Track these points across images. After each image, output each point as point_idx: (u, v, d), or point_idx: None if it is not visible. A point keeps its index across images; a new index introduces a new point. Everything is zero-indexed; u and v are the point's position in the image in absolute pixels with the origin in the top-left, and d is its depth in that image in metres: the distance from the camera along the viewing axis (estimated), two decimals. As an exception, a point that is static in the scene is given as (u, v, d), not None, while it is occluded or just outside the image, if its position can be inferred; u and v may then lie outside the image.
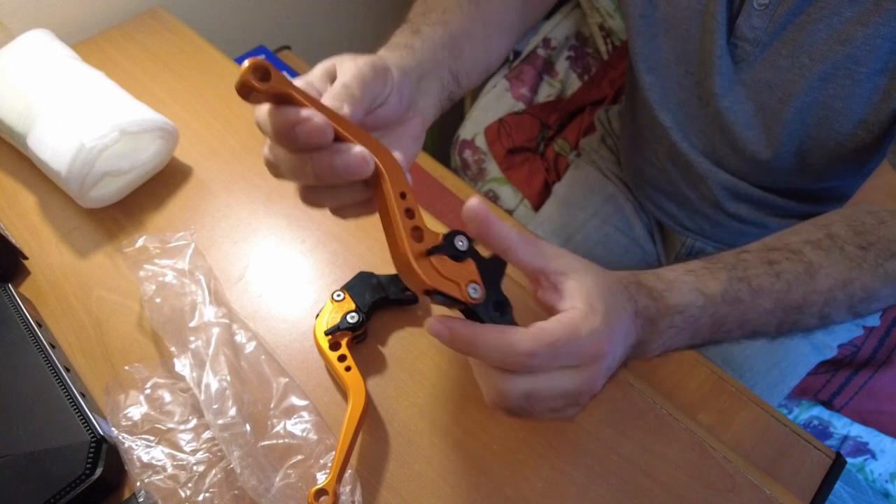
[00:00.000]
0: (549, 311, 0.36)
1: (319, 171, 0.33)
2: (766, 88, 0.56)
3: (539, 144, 1.11)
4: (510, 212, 1.03)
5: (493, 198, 1.07)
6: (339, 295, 0.52)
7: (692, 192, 0.73)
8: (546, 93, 1.17)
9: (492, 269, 0.35)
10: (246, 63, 0.28)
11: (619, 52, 1.12)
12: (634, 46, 0.63)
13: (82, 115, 0.58)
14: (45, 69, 0.62)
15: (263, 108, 0.33)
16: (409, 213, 0.34)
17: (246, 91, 0.29)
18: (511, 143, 1.09)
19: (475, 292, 0.34)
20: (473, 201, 0.34)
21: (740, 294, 0.41)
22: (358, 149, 0.32)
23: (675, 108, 0.65)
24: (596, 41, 1.16)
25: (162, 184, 0.64)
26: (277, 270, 0.58)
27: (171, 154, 0.64)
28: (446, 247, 0.34)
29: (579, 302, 0.35)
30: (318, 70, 0.37)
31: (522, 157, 1.08)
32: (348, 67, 0.37)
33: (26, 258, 0.58)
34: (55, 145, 0.57)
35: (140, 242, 0.53)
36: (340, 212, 0.38)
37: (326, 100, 0.35)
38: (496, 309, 0.35)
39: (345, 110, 0.34)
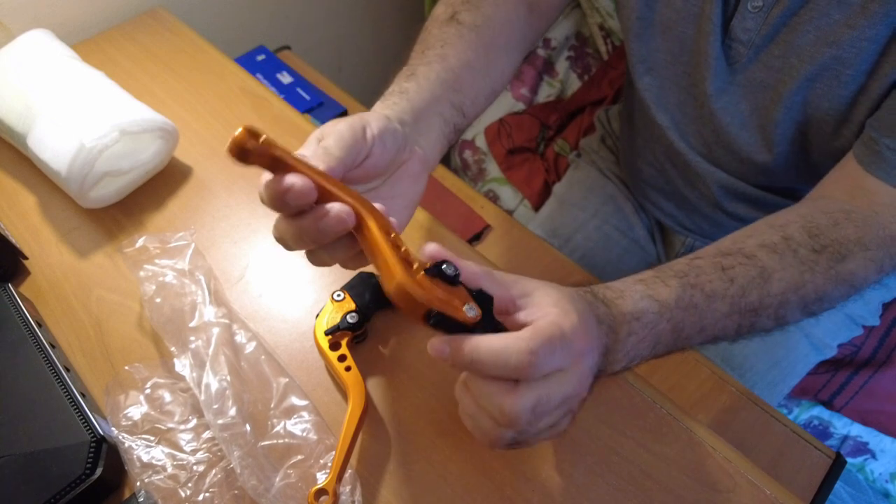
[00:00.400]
0: (521, 328, 0.36)
1: (311, 234, 0.36)
2: (760, 89, 0.56)
3: (539, 144, 1.11)
4: (510, 212, 1.03)
5: (493, 198, 1.07)
6: (339, 295, 0.52)
7: (691, 191, 0.73)
8: (546, 93, 1.17)
9: (481, 301, 0.36)
10: (239, 129, 0.31)
11: (619, 52, 1.12)
12: (631, 48, 0.63)
13: (82, 115, 0.58)
14: (45, 69, 0.62)
15: (262, 184, 0.36)
16: (397, 246, 0.35)
17: (240, 150, 0.31)
18: (511, 143, 1.09)
19: (472, 311, 0.34)
20: (431, 247, 0.36)
21: (694, 299, 0.42)
22: (336, 209, 0.35)
23: (672, 109, 0.66)
24: (596, 41, 1.16)
25: (162, 184, 0.64)
26: (277, 270, 0.58)
27: (171, 154, 0.64)
28: (436, 270, 0.35)
29: (550, 307, 0.36)
30: (312, 138, 0.40)
31: (522, 157, 1.08)
32: (329, 131, 0.40)
33: (26, 258, 0.58)
34: (55, 145, 0.57)
35: (140, 242, 0.53)
36: (345, 264, 0.41)
37: (309, 161, 0.38)
38: (494, 331, 0.36)
39: (321, 167, 0.37)
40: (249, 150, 0.31)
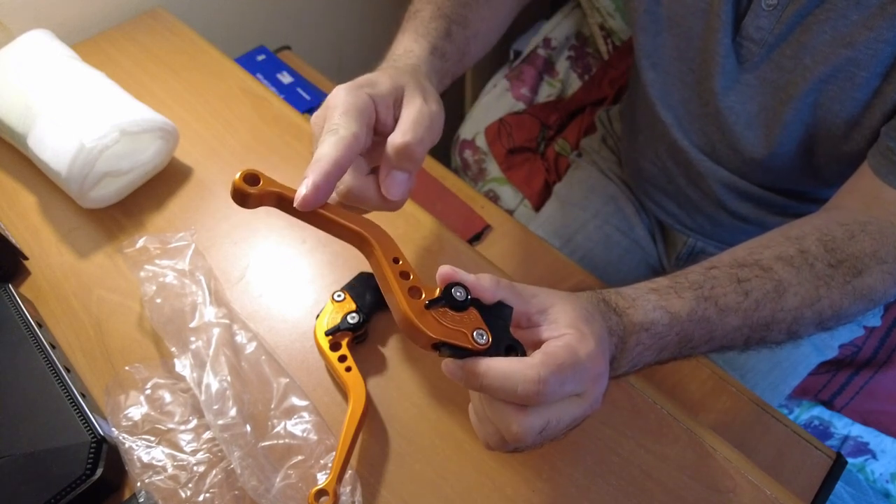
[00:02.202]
0: (537, 346, 0.36)
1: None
2: (770, 89, 0.56)
3: (539, 144, 1.11)
4: (510, 212, 1.03)
5: (493, 198, 1.07)
6: (339, 295, 0.52)
7: (693, 190, 0.73)
8: (546, 93, 1.17)
9: (498, 316, 0.36)
10: (237, 174, 0.32)
11: (620, 52, 1.12)
12: (638, 42, 0.63)
13: (82, 115, 0.58)
14: (45, 69, 0.62)
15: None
16: (405, 275, 0.35)
17: (241, 196, 0.32)
18: (511, 142, 1.09)
19: (481, 338, 0.34)
20: (443, 269, 0.36)
21: (707, 313, 0.42)
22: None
23: (676, 106, 0.65)
24: (596, 41, 1.16)
25: (162, 184, 0.64)
26: (278, 271, 0.58)
27: (171, 154, 0.64)
28: (445, 298, 0.35)
29: (567, 328, 0.35)
30: (328, 133, 0.39)
31: (523, 157, 1.08)
32: (338, 121, 0.39)
33: (26, 258, 0.58)
34: (55, 145, 0.57)
35: (140, 243, 0.53)
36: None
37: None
38: (507, 353, 0.35)
39: (344, 152, 0.36)
40: (249, 195, 0.32)
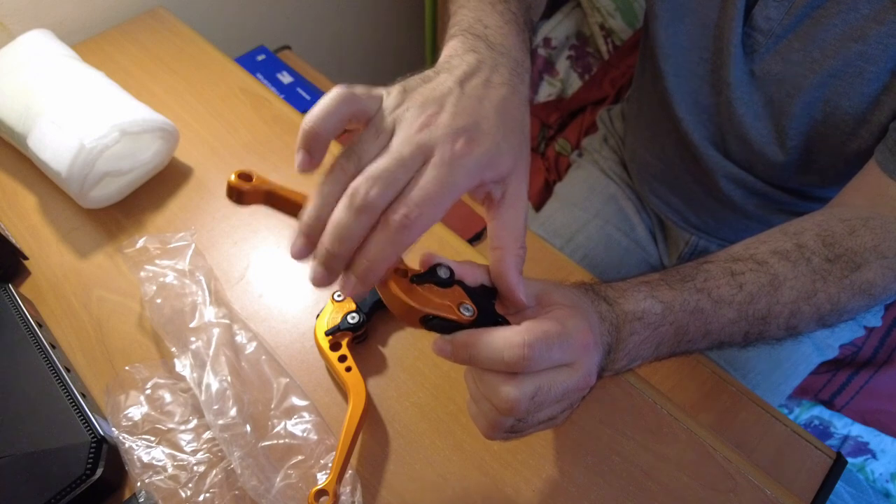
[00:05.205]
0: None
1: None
2: (775, 82, 0.55)
3: (540, 144, 1.11)
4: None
5: (493, 197, 1.07)
6: (339, 295, 0.52)
7: (699, 186, 0.73)
8: (547, 92, 1.17)
9: (482, 296, 0.37)
10: (232, 175, 0.34)
11: (620, 51, 1.12)
12: (653, 32, 0.62)
13: (82, 115, 0.58)
14: (45, 69, 0.62)
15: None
16: None
17: (237, 193, 0.34)
18: (511, 142, 1.08)
19: (467, 311, 0.35)
20: (425, 254, 0.37)
21: (701, 304, 0.42)
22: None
23: (687, 97, 0.65)
24: (596, 41, 1.16)
25: (162, 184, 0.64)
26: (278, 271, 0.58)
27: (171, 154, 0.64)
28: (430, 275, 0.36)
29: (552, 305, 0.37)
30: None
31: (523, 156, 1.08)
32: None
33: (26, 258, 0.58)
34: (55, 145, 0.57)
35: (140, 243, 0.53)
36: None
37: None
38: (494, 325, 0.36)
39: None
40: (244, 192, 0.34)
